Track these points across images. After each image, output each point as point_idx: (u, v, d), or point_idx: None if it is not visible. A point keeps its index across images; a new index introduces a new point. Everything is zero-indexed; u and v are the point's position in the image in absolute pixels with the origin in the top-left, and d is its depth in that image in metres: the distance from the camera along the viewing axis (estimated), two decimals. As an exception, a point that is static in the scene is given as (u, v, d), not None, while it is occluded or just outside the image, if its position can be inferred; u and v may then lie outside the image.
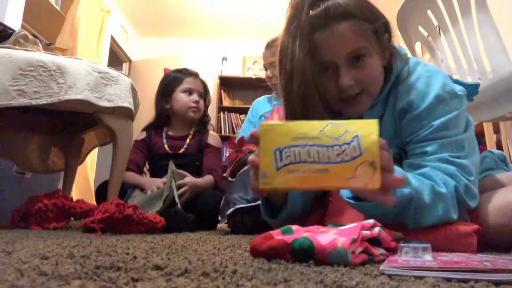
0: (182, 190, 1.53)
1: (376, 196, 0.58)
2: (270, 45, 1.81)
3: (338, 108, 0.85)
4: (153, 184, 1.57)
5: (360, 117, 0.85)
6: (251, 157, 0.60)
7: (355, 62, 0.79)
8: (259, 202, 1.27)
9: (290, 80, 0.79)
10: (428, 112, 0.79)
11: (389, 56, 0.85)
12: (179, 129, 1.86)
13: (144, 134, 1.85)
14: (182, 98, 1.82)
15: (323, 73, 0.81)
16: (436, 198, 0.69)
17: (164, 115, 1.86)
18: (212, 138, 1.87)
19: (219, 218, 1.34)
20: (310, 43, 0.77)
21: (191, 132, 1.85)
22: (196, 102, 1.82)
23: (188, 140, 1.81)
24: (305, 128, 0.56)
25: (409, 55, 0.93)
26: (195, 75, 1.91)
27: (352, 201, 0.70)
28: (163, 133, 1.83)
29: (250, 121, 1.90)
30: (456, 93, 0.80)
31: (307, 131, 0.56)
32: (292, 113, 0.82)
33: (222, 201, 1.35)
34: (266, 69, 1.85)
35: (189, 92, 1.83)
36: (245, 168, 1.45)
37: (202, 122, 1.92)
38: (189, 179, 1.59)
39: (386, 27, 0.83)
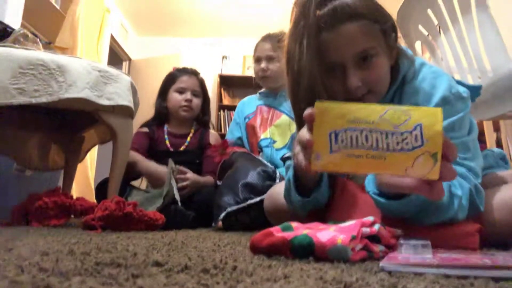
0: (183, 184, 1.53)
1: (425, 189, 0.55)
2: (271, 38, 1.75)
3: None
4: (156, 177, 1.57)
5: None
6: (304, 136, 0.57)
7: (362, 63, 0.78)
8: (250, 202, 1.28)
9: (298, 81, 0.78)
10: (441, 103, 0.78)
11: (395, 55, 0.84)
12: (178, 127, 1.86)
13: (146, 129, 1.85)
14: (174, 97, 1.82)
15: (330, 73, 0.80)
16: (452, 199, 0.69)
17: (162, 114, 1.87)
18: (213, 137, 1.87)
19: (213, 224, 1.34)
20: (317, 43, 0.76)
21: (192, 131, 1.85)
22: (188, 101, 1.81)
23: (189, 139, 1.81)
24: (363, 111, 0.53)
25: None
26: (191, 73, 1.89)
27: (381, 199, 0.68)
28: (165, 129, 1.84)
29: (236, 122, 1.89)
30: (461, 95, 0.80)
31: (366, 115, 0.52)
32: (300, 115, 0.80)
33: (214, 206, 1.36)
34: (258, 61, 1.78)
35: (182, 91, 1.83)
36: (230, 171, 1.45)
37: (202, 122, 1.91)
38: (191, 175, 1.59)
39: (393, 27, 0.82)
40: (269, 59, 1.74)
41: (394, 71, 0.85)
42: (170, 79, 1.88)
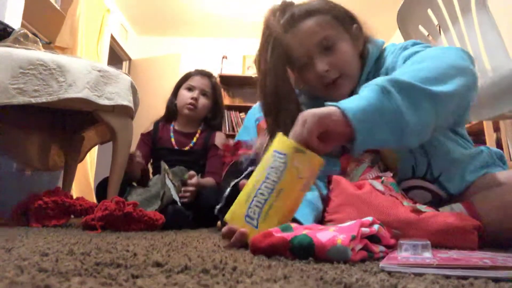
0: (190, 189, 1.51)
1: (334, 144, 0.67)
2: None
3: (324, 94, 0.94)
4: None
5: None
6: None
7: (326, 51, 0.91)
8: None
9: (264, 78, 0.92)
10: (402, 50, 0.90)
11: (363, 44, 0.97)
12: (185, 126, 1.83)
13: (151, 127, 1.85)
14: (183, 94, 1.81)
15: (303, 69, 0.95)
16: (379, 92, 0.65)
17: (171, 111, 1.86)
18: (219, 138, 1.85)
19: (216, 207, 1.33)
20: (283, 46, 0.90)
21: (199, 131, 1.82)
22: (194, 99, 1.77)
23: (195, 139, 1.79)
24: (248, 186, 0.67)
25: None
26: (204, 74, 1.88)
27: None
28: (171, 127, 1.82)
29: (245, 126, 1.90)
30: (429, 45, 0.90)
31: (250, 185, 0.66)
32: (267, 105, 0.95)
33: (219, 196, 1.35)
34: None
35: (191, 88, 1.81)
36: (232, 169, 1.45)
37: (210, 124, 1.86)
38: (196, 180, 1.55)
39: (352, 19, 0.96)
40: None
41: (365, 57, 0.97)
42: (184, 77, 1.88)
